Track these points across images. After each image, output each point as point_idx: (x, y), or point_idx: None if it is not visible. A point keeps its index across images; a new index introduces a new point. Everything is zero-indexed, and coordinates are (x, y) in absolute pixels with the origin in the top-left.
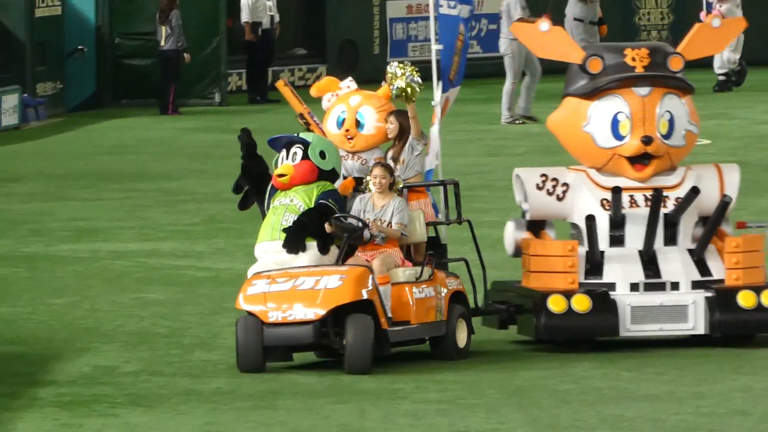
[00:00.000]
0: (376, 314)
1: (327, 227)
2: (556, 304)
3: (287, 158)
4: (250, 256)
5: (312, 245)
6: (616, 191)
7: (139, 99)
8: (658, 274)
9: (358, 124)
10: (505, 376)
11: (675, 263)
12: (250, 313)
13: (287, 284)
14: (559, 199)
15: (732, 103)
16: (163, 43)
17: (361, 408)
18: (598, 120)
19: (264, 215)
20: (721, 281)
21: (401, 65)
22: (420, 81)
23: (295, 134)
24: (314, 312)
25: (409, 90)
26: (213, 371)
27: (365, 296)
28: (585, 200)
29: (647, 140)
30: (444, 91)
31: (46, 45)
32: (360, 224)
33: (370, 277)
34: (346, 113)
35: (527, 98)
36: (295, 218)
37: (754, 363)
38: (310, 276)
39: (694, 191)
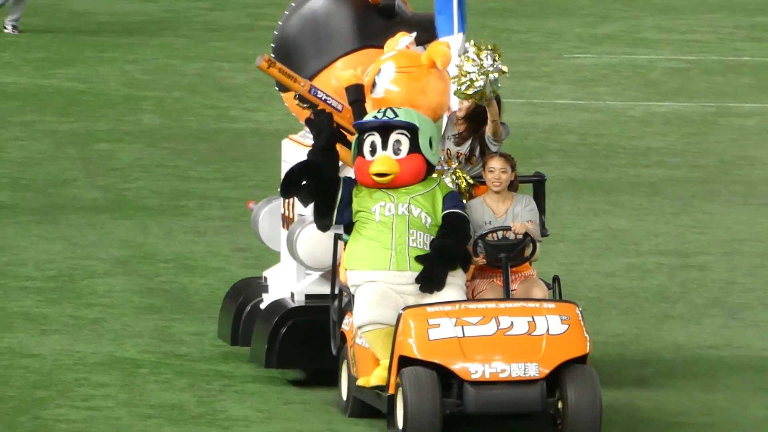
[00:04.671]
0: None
1: (477, 252)
2: None
3: (385, 148)
4: (39, 71)
5: (453, 279)
6: None
7: None
8: None
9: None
10: None
11: None
12: (420, 362)
13: (488, 327)
14: None
15: None
16: None
17: (145, 224)
18: None
19: (336, 219)
20: None
21: (475, 57)
22: (500, 72)
23: (390, 111)
24: (538, 368)
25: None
26: None
27: (589, 346)
28: None
29: None
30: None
31: None
32: (517, 236)
33: (580, 313)
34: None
35: None
36: (433, 242)
37: None
38: (516, 315)
39: None
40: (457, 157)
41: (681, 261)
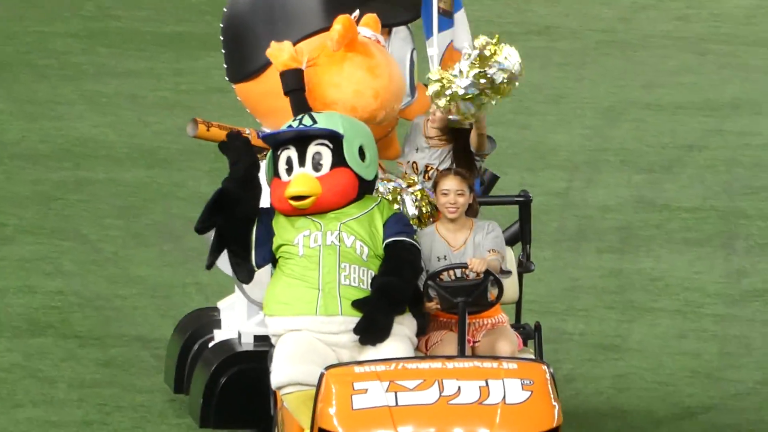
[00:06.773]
0: None
1: (429, 296)
2: None
3: (302, 165)
4: None
5: (400, 327)
6: None
7: None
8: None
9: None
10: None
11: None
12: None
13: (429, 394)
14: None
15: None
16: None
17: None
18: None
19: (255, 261)
20: None
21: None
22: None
23: (307, 118)
24: None
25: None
26: None
27: (557, 418)
28: None
29: None
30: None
31: None
32: (475, 275)
33: (549, 375)
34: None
35: None
36: (374, 280)
37: None
38: (466, 379)
39: None
40: (426, 171)
41: None
